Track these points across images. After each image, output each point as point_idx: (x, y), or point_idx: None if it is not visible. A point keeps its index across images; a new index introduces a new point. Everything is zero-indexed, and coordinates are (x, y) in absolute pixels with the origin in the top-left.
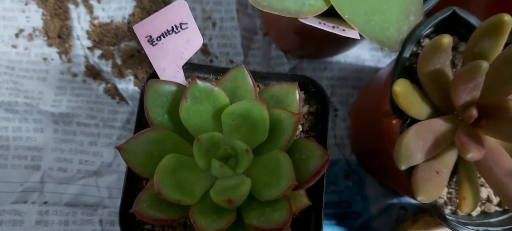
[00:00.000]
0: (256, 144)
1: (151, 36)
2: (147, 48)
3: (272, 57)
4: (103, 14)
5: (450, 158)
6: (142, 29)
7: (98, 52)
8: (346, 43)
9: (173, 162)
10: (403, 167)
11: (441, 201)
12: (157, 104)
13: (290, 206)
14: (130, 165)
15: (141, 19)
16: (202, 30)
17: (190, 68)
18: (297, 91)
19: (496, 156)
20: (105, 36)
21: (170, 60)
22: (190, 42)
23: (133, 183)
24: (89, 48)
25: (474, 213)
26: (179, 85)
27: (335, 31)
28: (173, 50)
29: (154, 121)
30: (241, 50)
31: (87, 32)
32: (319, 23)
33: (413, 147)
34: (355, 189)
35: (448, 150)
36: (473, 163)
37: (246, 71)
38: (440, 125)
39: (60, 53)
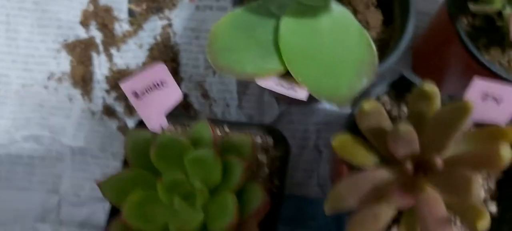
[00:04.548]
0: (213, 185)
1: (136, 92)
2: (134, 102)
3: (264, 102)
4: (120, 62)
5: (389, 208)
6: (129, 86)
7: (113, 94)
8: None
9: (139, 196)
10: (329, 213)
11: None
12: (134, 149)
13: None
14: (107, 198)
15: None
16: (204, 77)
17: (173, 116)
18: (250, 140)
19: (431, 204)
20: (121, 80)
21: (154, 111)
22: (170, 96)
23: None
24: (106, 90)
25: None
26: (153, 133)
27: (288, 93)
28: (157, 103)
29: (131, 162)
30: (236, 96)
31: (106, 77)
32: (276, 85)
33: (346, 194)
34: (333, 226)
35: (387, 199)
36: (414, 212)
37: (208, 125)
38: (380, 174)
39: (82, 95)
